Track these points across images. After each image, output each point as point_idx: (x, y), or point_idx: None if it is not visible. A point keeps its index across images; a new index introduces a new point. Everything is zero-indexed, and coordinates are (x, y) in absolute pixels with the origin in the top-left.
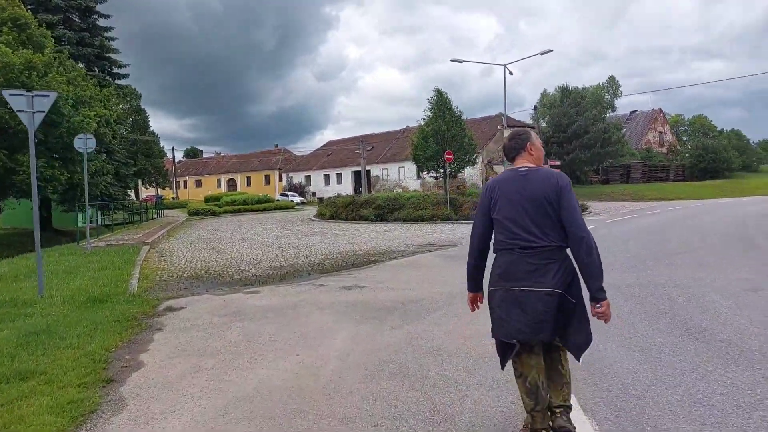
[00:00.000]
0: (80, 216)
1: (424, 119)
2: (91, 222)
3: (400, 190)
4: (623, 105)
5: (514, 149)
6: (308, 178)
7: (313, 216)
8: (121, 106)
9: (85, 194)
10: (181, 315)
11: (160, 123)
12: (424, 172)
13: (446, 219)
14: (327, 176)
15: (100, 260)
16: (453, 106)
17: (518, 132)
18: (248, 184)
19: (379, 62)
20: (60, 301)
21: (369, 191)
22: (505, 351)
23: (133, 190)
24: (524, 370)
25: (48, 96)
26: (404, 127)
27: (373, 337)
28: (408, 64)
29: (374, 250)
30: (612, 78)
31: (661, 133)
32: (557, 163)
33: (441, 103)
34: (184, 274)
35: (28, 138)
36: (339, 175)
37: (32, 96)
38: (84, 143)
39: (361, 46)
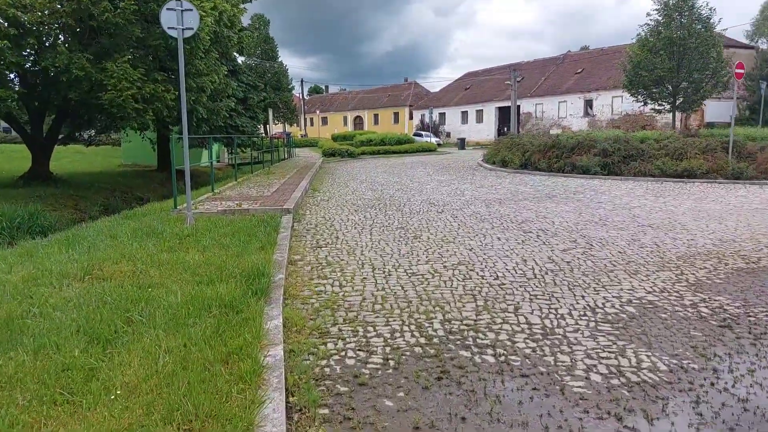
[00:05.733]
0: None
1: (648, 24)
2: (218, 161)
3: (559, 131)
4: None
5: None
6: (442, 115)
7: (484, 161)
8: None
9: (183, 113)
10: None
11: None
12: (640, 104)
13: (736, 177)
14: (464, 114)
15: (197, 268)
16: (697, 4)
17: None
18: (375, 122)
19: None
20: None
21: (518, 131)
22: None
23: (262, 125)
24: None
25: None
26: (565, 52)
27: None
28: None
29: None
30: None
31: None
32: None
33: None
34: (397, 343)
35: (119, 36)
36: (479, 113)
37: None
38: (178, 17)
39: None
